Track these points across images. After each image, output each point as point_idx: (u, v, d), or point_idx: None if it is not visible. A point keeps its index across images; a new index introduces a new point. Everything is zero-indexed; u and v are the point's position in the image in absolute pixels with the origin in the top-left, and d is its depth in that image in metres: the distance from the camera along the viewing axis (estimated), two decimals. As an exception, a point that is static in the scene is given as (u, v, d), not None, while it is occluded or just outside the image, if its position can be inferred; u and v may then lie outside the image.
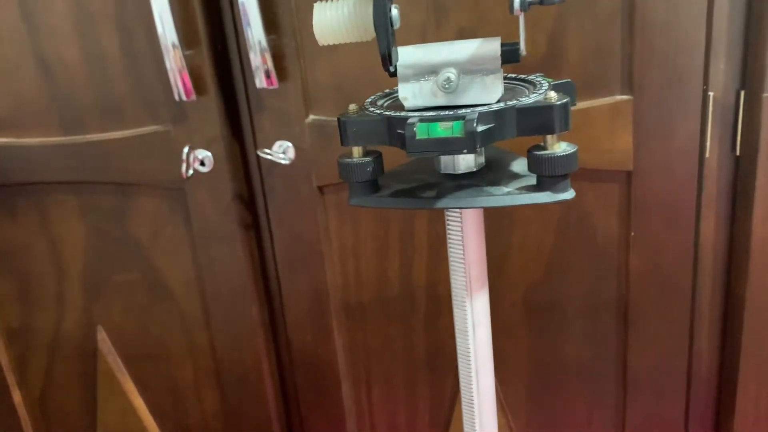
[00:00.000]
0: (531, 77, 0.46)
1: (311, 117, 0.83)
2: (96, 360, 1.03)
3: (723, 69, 0.73)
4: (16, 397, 1.08)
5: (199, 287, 0.95)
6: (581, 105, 0.76)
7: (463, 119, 0.38)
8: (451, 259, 0.49)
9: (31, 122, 0.90)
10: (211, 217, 0.89)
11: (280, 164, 0.85)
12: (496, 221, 0.84)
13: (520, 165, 0.46)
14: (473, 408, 0.52)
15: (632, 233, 0.80)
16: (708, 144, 0.76)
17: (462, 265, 0.48)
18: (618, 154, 0.77)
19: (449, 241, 0.48)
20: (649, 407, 0.88)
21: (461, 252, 0.47)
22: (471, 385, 0.52)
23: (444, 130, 0.38)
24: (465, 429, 0.56)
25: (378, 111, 0.43)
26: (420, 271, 0.89)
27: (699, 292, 0.82)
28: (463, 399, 0.53)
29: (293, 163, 0.85)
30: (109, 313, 1.00)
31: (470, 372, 0.51)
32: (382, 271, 0.90)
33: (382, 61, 0.39)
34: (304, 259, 0.91)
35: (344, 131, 0.42)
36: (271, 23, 0.79)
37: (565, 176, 0.41)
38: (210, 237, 0.90)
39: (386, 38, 0.39)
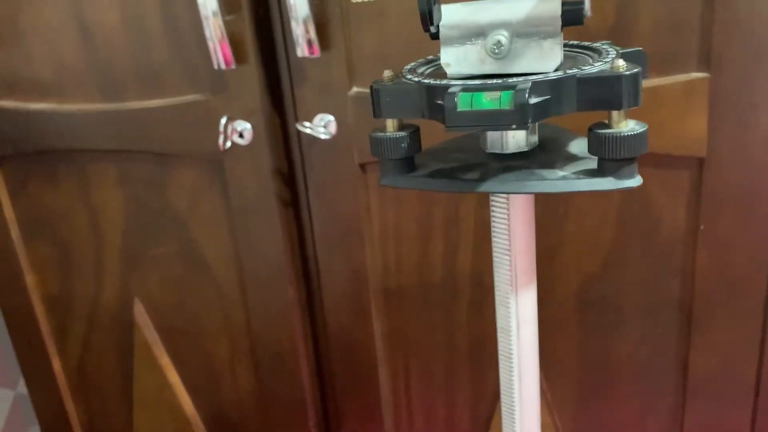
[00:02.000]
0: (596, 44, 0.40)
1: (354, 89, 0.78)
2: (132, 332, 1.02)
3: (818, 45, 0.65)
4: (56, 364, 1.09)
5: (237, 263, 0.92)
6: (651, 83, 0.69)
7: (514, 89, 0.33)
8: (495, 249, 0.43)
9: (72, 88, 0.88)
10: (250, 191, 0.86)
11: (320, 139, 0.81)
12: (549, 208, 0.78)
13: (580, 146, 0.40)
14: (514, 415, 0.47)
15: (702, 227, 0.72)
16: (795, 130, 0.67)
17: (507, 258, 0.42)
18: (690, 139, 0.69)
19: (494, 229, 0.42)
20: (710, 416, 0.80)
21: (507, 242, 0.42)
22: (512, 390, 0.46)
23: (490, 101, 0.33)
24: (504, 435, 0.50)
25: (416, 79, 0.37)
26: (465, 258, 0.84)
27: (774, 294, 0.74)
28: (503, 404, 0.48)
29: (334, 138, 0.80)
30: (146, 286, 0.99)
31: (512, 376, 0.46)
32: (425, 256, 0.85)
33: (422, 19, 0.34)
34: (343, 239, 0.86)
35: (377, 101, 0.37)
36: (315, -13, 0.74)
37: (631, 160, 0.35)
38: (248, 212, 0.87)
39: (427, -8, 0.33)
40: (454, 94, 0.33)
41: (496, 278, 0.44)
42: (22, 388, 1.39)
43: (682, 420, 0.82)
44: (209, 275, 0.95)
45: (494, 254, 0.43)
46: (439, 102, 0.35)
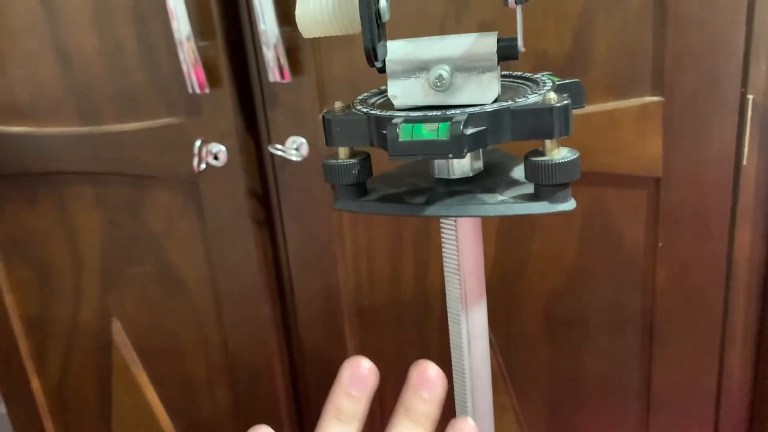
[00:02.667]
0: (537, 76, 0.43)
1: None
2: (111, 352, 1.03)
3: (765, 70, 0.68)
4: (35, 384, 1.09)
5: (213, 283, 0.93)
6: (607, 107, 0.71)
7: (450, 121, 0.35)
8: (446, 270, 0.46)
9: (49, 112, 0.90)
10: (225, 212, 0.88)
11: (293, 161, 0.83)
12: (516, 227, 0.80)
13: (522, 171, 0.43)
14: None
15: (660, 244, 0.75)
16: (746, 150, 0.70)
17: (457, 277, 0.45)
18: (646, 159, 0.72)
19: (444, 251, 0.45)
20: (674, 426, 0.83)
21: (456, 263, 0.44)
22: (466, 404, 0.48)
23: (429, 132, 0.35)
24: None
25: (365, 110, 0.40)
26: (435, 275, 0.86)
27: (731, 308, 0.77)
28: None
29: (306, 159, 0.82)
30: (124, 306, 1.00)
31: (465, 390, 0.48)
32: (396, 275, 0.87)
33: (366, 56, 0.36)
34: (316, 259, 0.88)
35: (328, 130, 0.40)
36: (285, 16, 0.76)
37: (565, 185, 0.38)
38: (223, 233, 0.89)
39: (370, 31, 0.36)
40: (396, 125, 0.36)
41: (448, 297, 0.46)
42: (2, 407, 1.39)
43: (647, 431, 0.84)
44: (186, 295, 0.96)
45: (445, 275, 0.46)
46: (384, 132, 0.37)
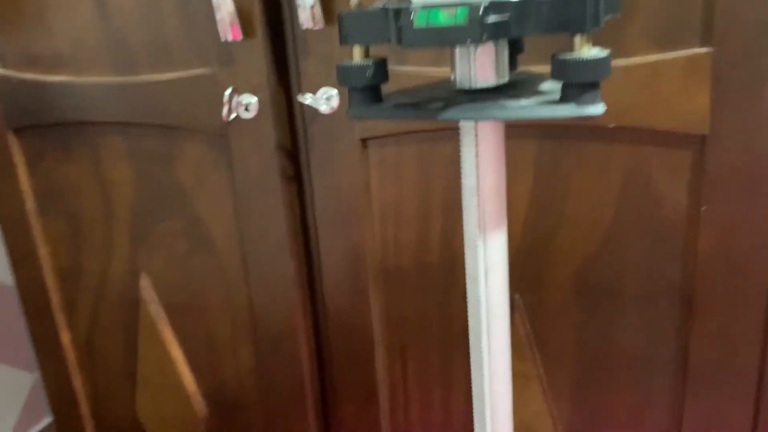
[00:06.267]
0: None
1: (357, 63, 0.78)
2: (138, 307, 1.04)
3: (825, 21, 0.63)
4: (65, 338, 1.11)
5: (240, 240, 0.93)
6: (651, 59, 0.68)
7: (469, 5, 0.32)
8: (463, 192, 0.43)
9: (86, 62, 0.91)
10: (254, 166, 0.87)
11: (323, 115, 0.82)
12: (549, 188, 0.77)
13: (549, 85, 0.40)
14: (482, 370, 0.46)
15: (703, 207, 0.71)
16: (801, 108, 0.66)
17: (475, 199, 0.42)
18: (692, 116, 0.68)
19: (462, 167, 0.42)
20: (710, 406, 0.78)
21: (474, 182, 0.42)
22: (480, 339, 0.46)
23: (447, 17, 0.33)
24: (474, 394, 0.50)
25: (381, 5, 0.37)
26: (462, 237, 0.83)
27: (779, 281, 0.72)
28: (472, 354, 0.47)
29: (336, 112, 0.81)
30: (153, 261, 1.00)
31: (480, 326, 0.45)
32: (423, 235, 0.85)
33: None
34: (343, 217, 0.87)
35: (342, 27, 0.38)
36: (320, -39, 0.75)
37: (593, 85, 0.35)
38: (252, 187, 0.88)
39: None
40: (411, 11, 0.34)
41: (465, 221, 0.44)
42: (34, 374, 1.41)
43: (682, 410, 0.79)
44: (213, 252, 0.96)
45: (463, 197, 0.43)
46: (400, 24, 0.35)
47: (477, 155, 0.41)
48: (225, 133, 0.86)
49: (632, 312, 0.78)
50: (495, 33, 0.33)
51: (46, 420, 1.76)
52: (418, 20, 0.33)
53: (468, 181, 0.42)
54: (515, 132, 0.75)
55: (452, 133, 0.78)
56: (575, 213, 0.77)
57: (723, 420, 0.78)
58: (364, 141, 0.82)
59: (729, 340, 0.75)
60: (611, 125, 0.71)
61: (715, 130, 0.68)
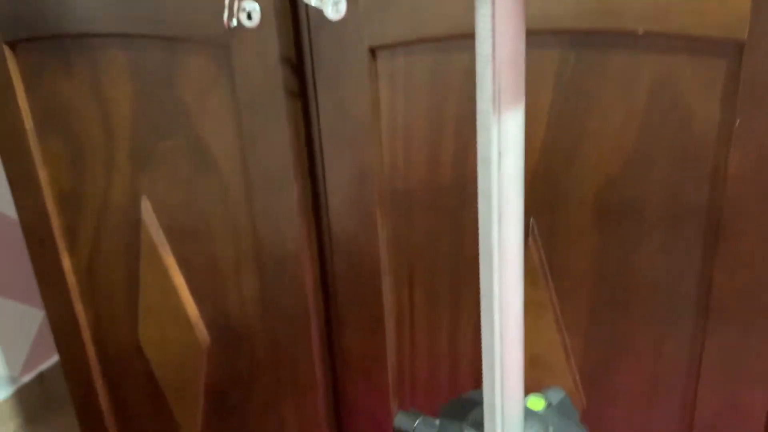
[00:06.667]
0: None
1: (367, -36, 0.73)
2: (139, 232, 1.01)
3: None
4: (65, 263, 1.09)
5: (243, 161, 0.89)
6: (689, -47, 0.62)
7: None
8: (478, 62, 0.38)
9: (82, -33, 0.86)
10: (257, 80, 0.82)
11: (329, 22, 0.76)
12: (570, 104, 0.72)
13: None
14: (492, 262, 0.42)
15: (737, 122, 0.66)
16: None
17: (490, 67, 0.37)
18: (729, 19, 0.62)
19: (476, 33, 0.37)
20: (733, 340, 0.74)
21: (490, 48, 0.37)
22: (491, 237, 0.42)
23: None
24: (482, 304, 0.46)
25: None
26: (475, 160, 0.78)
27: (815, 206, 0.67)
28: (481, 250, 0.43)
29: (344, 20, 0.76)
30: (154, 183, 0.97)
31: (491, 216, 0.41)
32: (434, 157, 0.80)
33: None
34: (350, 136, 0.82)
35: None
36: None
37: None
38: (255, 103, 0.84)
39: None
40: None
41: (477, 97, 0.39)
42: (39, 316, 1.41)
43: (703, 343, 0.76)
44: (216, 174, 0.92)
45: (477, 68, 0.38)
46: None
47: (493, 16, 0.36)
48: (227, 44, 0.82)
49: (654, 238, 0.74)
50: None
51: (56, 357, 1.77)
52: None
53: (482, 48, 0.37)
54: (535, 41, 0.70)
55: (468, 42, 0.73)
56: (598, 130, 0.72)
57: (745, 353, 0.74)
58: (372, 51, 0.77)
59: (756, 269, 0.71)
60: (641, 31, 0.65)
61: (755, 35, 0.62)
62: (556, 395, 0.54)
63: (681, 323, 0.76)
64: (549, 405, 0.52)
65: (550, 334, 0.83)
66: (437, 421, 0.52)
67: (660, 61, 0.67)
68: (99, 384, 1.18)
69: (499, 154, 0.39)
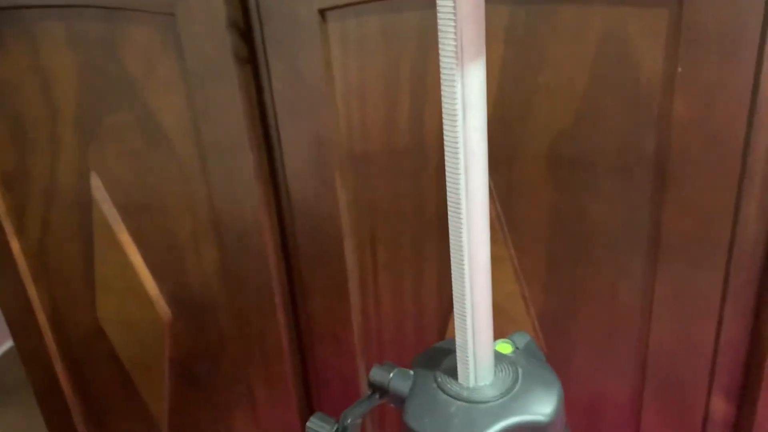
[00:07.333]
0: None
1: (312, -77, 0.72)
2: (91, 210, 0.98)
3: None
4: (14, 246, 1.06)
5: (195, 131, 0.87)
6: None
7: None
8: (439, 19, 0.39)
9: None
10: (205, 49, 0.81)
11: (278, -16, 0.75)
12: (521, 59, 0.73)
13: None
14: (461, 228, 0.43)
15: (679, 69, 0.68)
16: (784, -42, 0.62)
17: (452, 22, 0.38)
18: (671, -31, 0.64)
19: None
20: (681, 279, 0.78)
21: (452, 7, 0.38)
22: (459, 188, 0.43)
23: None
24: (452, 253, 0.47)
25: None
26: (432, 118, 0.79)
27: (752, 147, 0.71)
28: (450, 214, 0.44)
29: (293, -19, 0.75)
30: (104, 159, 0.94)
31: (458, 168, 0.42)
32: (391, 118, 0.81)
33: None
34: (304, 101, 0.82)
35: None
36: None
37: None
38: (204, 72, 0.82)
39: None
40: None
41: (441, 52, 0.40)
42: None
43: (654, 284, 0.79)
44: (168, 146, 0.90)
45: (439, 23, 0.39)
46: None
47: (452, -33, 0.36)
48: (171, 12, 0.80)
49: (606, 186, 0.77)
50: None
51: (8, 344, 1.72)
52: None
53: (444, 2, 0.38)
54: (485, -3, 0.71)
55: (419, 0, 0.73)
56: (549, 84, 0.74)
57: (693, 290, 0.78)
58: (322, 13, 0.76)
59: (702, 209, 0.74)
60: (587, -16, 0.67)
61: (695, -16, 0.65)
62: (522, 339, 0.56)
63: (634, 266, 0.80)
64: (516, 348, 0.55)
65: (509, 285, 0.85)
66: (411, 372, 0.54)
67: (607, 13, 0.69)
68: (59, 367, 1.16)
69: (464, 108, 0.40)
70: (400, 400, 0.53)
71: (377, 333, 0.94)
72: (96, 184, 0.96)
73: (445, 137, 0.42)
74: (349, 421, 0.55)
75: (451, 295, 0.49)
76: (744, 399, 0.86)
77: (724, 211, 0.74)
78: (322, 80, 0.80)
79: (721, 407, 0.87)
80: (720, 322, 0.81)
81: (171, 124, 0.89)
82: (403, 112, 0.80)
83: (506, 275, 0.85)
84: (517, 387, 0.50)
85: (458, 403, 0.49)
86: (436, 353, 0.55)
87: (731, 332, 0.82)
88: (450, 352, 0.54)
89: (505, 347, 0.54)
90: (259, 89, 0.84)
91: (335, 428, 0.55)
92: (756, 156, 0.71)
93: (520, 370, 0.52)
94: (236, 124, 0.84)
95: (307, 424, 0.57)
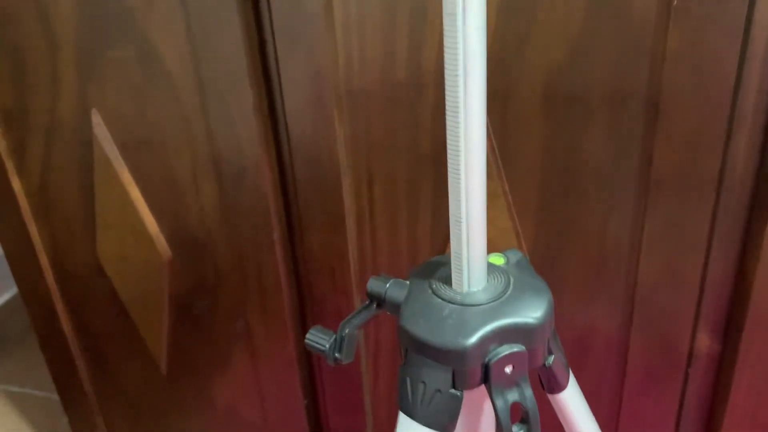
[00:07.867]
0: None
1: None
2: (92, 147, 0.99)
3: None
4: (16, 184, 1.07)
5: (195, 66, 0.88)
6: None
7: None
8: None
9: None
10: (205, -20, 0.81)
11: None
12: (519, -8, 0.74)
13: None
14: (458, 131, 0.45)
15: (675, 2, 0.69)
16: None
17: None
18: None
19: None
20: (671, 214, 0.80)
21: None
22: (458, 90, 0.44)
23: None
24: (449, 160, 0.49)
25: None
26: (431, 53, 0.80)
27: (745, 79, 0.72)
28: (448, 119, 0.46)
29: None
30: (104, 95, 0.95)
31: (458, 70, 0.44)
32: (389, 52, 0.82)
33: None
34: (303, 33, 0.82)
35: None
36: None
37: None
38: (204, 4, 0.83)
39: None
40: None
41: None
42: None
43: (644, 219, 0.81)
44: (167, 81, 0.91)
45: None
46: None
47: None
48: (172, -58, 0.80)
49: (599, 121, 0.78)
50: None
51: (13, 290, 1.74)
52: None
53: None
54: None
55: (418, -69, 0.73)
56: (545, 18, 0.75)
57: (681, 224, 0.80)
58: None
59: (692, 144, 0.76)
60: None
61: None
62: (514, 255, 0.58)
63: (624, 202, 0.82)
64: (508, 262, 0.57)
65: (503, 221, 0.87)
66: (407, 282, 0.56)
67: (603, -56, 0.70)
68: (60, 307, 1.18)
69: (464, 8, 0.42)
70: (397, 308, 0.55)
71: (373, 267, 0.96)
72: (96, 120, 0.97)
73: (445, 37, 0.43)
74: (347, 331, 0.57)
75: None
76: (728, 335, 0.89)
77: (714, 146, 0.76)
78: (321, 11, 0.80)
79: (705, 342, 0.90)
80: (707, 258, 0.84)
81: (170, 57, 0.89)
82: (401, 46, 0.81)
83: (500, 211, 0.87)
84: (509, 292, 0.52)
85: (451, 306, 0.51)
86: (432, 265, 0.57)
87: (718, 268, 0.84)
88: (444, 264, 0.56)
89: (498, 259, 0.56)
90: (259, 20, 0.85)
91: (333, 338, 0.57)
92: (746, 90, 0.73)
93: (511, 279, 0.54)
94: (236, 58, 0.85)
95: (307, 336, 0.59)
